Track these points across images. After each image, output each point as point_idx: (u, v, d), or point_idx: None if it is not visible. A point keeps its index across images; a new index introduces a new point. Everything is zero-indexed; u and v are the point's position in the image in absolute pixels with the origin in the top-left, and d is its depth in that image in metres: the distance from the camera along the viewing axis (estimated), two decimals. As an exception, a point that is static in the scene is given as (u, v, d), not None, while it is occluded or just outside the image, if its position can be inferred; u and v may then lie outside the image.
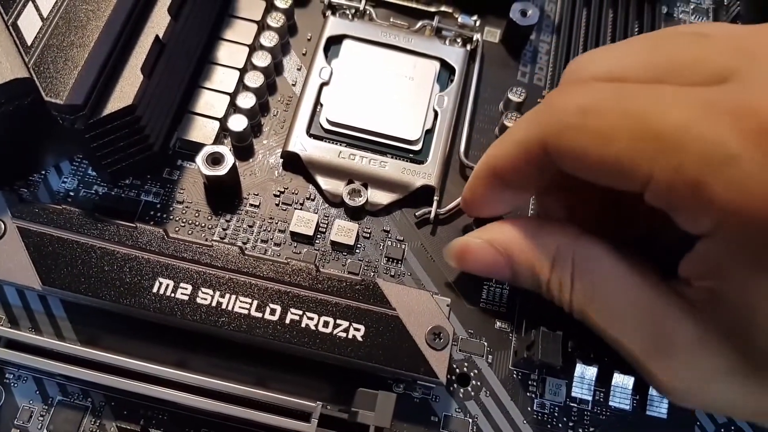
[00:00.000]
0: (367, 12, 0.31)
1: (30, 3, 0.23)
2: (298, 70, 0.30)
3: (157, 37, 0.24)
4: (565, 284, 0.21)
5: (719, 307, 0.18)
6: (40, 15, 0.23)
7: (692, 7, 0.34)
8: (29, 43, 0.22)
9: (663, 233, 0.21)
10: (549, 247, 0.21)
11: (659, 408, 0.24)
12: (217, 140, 0.28)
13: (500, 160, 0.22)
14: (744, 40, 0.17)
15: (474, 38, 0.31)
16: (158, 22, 0.24)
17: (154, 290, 0.22)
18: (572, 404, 0.25)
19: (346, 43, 0.30)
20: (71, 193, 0.26)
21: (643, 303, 0.20)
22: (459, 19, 0.31)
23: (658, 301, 0.20)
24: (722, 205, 0.16)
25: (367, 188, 0.27)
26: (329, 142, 0.28)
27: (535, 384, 0.25)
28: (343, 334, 0.22)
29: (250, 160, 0.28)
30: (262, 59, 0.29)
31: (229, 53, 0.29)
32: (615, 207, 0.23)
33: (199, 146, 0.27)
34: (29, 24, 0.22)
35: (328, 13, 0.31)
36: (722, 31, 0.18)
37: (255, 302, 0.23)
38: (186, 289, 0.22)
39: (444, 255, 0.25)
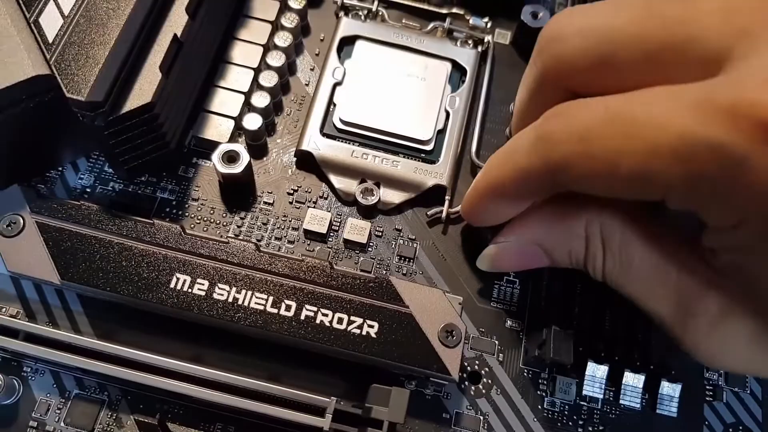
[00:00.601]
0: (380, 13, 0.32)
1: (51, 1, 0.23)
2: (311, 70, 0.31)
3: (175, 35, 0.24)
4: (598, 258, 0.21)
5: (742, 277, 0.18)
6: (62, 13, 0.23)
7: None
8: (50, 41, 0.22)
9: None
10: (578, 230, 0.21)
11: (669, 407, 0.24)
12: (232, 139, 0.28)
13: (504, 184, 0.21)
14: (738, 13, 0.16)
15: (485, 40, 0.31)
16: (176, 21, 0.25)
17: (172, 285, 0.23)
18: (582, 403, 0.25)
19: (359, 44, 0.30)
20: (88, 190, 0.27)
21: (668, 271, 0.20)
22: (470, 21, 0.31)
23: (682, 268, 0.20)
24: (743, 204, 0.16)
25: (379, 187, 0.27)
26: (342, 141, 0.28)
27: (545, 382, 0.25)
28: (357, 331, 0.23)
29: (264, 158, 0.28)
30: (276, 59, 0.29)
31: (244, 53, 0.29)
32: None
33: (214, 144, 0.27)
34: (50, 21, 0.23)
35: (341, 14, 0.31)
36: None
37: (270, 298, 0.23)
38: (203, 284, 0.23)
39: (478, 264, 0.25)
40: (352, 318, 0.23)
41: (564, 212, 0.22)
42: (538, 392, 0.25)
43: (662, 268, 0.20)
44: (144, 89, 0.23)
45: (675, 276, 0.20)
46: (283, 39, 0.30)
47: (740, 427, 0.25)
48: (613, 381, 0.25)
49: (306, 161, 0.28)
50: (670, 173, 0.16)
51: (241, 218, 0.27)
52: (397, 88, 0.29)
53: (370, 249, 0.27)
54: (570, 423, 0.25)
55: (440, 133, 0.29)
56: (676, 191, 0.17)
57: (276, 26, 0.30)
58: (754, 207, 0.16)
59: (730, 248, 0.18)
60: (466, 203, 0.24)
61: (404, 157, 0.28)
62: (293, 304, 0.23)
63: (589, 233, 0.21)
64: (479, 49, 0.31)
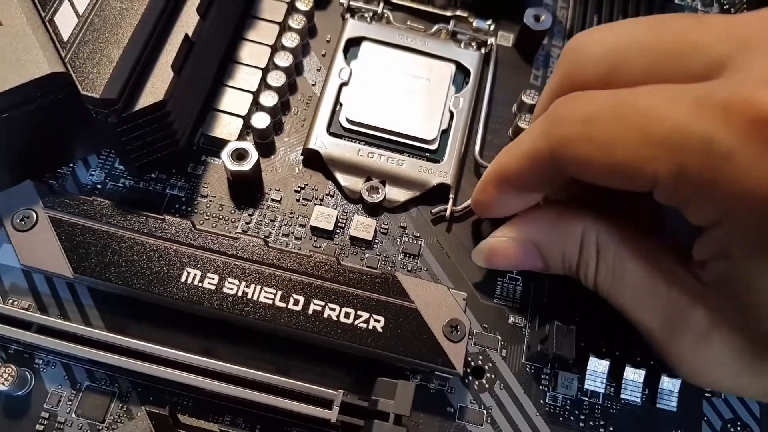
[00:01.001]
0: (385, 15, 0.32)
1: (66, 0, 0.24)
2: (318, 70, 0.31)
3: (186, 35, 0.25)
4: (591, 267, 0.22)
5: (730, 289, 0.19)
6: (76, 12, 0.23)
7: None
8: (65, 39, 0.23)
9: (677, 217, 0.22)
10: (575, 234, 0.22)
11: (669, 401, 0.25)
12: (240, 137, 0.28)
13: (510, 168, 0.22)
14: (740, 27, 0.17)
15: (488, 42, 0.32)
16: (187, 21, 0.25)
17: (182, 280, 0.23)
18: (583, 398, 0.25)
19: (365, 45, 0.31)
20: (98, 186, 0.27)
21: (659, 285, 0.20)
22: (474, 23, 0.32)
23: (673, 283, 0.20)
24: (726, 199, 0.16)
25: (384, 185, 0.28)
26: (348, 140, 0.28)
27: (547, 378, 0.26)
28: (364, 325, 0.23)
29: (272, 156, 0.29)
30: (283, 59, 0.30)
31: (252, 53, 0.30)
32: (628, 196, 0.23)
33: (223, 143, 0.27)
34: (65, 20, 0.23)
35: (347, 15, 0.32)
36: (719, 17, 0.19)
37: (279, 293, 0.23)
38: (213, 279, 0.23)
39: (473, 258, 0.26)
40: (359, 312, 0.23)
41: (564, 215, 0.23)
42: (541, 387, 0.25)
43: (653, 281, 0.21)
44: (156, 87, 0.23)
45: (665, 290, 0.20)
46: (290, 40, 0.30)
47: (738, 423, 0.25)
48: (614, 376, 0.25)
49: (313, 159, 0.28)
50: (659, 162, 0.17)
51: (249, 215, 0.27)
52: (402, 89, 0.30)
53: (375, 246, 0.27)
54: (572, 417, 0.25)
55: (444, 132, 0.29)
56: (663, 182, 0.17)
57: (283, 27, 0.31)
58: (736, 202, 0.16)
59: (717, 255, 0.19)
60: (476, 192, 0.25)
61: (409, 156, 0.28)
62: (301, 299, 0.23)
63: (585, 239, 0.22)
64: (482, 51, 0.32)
